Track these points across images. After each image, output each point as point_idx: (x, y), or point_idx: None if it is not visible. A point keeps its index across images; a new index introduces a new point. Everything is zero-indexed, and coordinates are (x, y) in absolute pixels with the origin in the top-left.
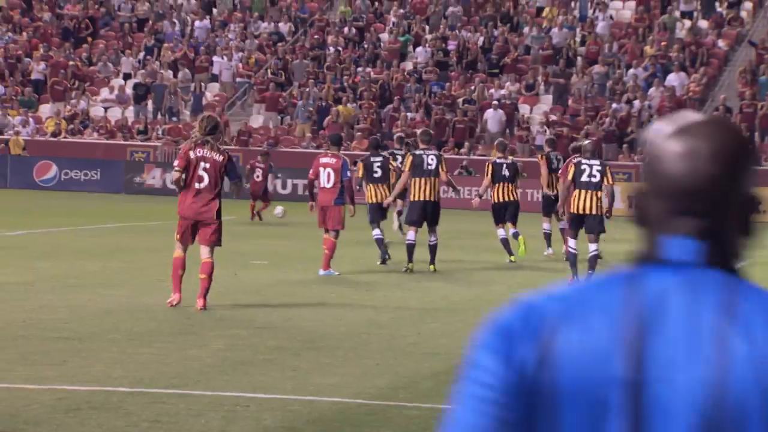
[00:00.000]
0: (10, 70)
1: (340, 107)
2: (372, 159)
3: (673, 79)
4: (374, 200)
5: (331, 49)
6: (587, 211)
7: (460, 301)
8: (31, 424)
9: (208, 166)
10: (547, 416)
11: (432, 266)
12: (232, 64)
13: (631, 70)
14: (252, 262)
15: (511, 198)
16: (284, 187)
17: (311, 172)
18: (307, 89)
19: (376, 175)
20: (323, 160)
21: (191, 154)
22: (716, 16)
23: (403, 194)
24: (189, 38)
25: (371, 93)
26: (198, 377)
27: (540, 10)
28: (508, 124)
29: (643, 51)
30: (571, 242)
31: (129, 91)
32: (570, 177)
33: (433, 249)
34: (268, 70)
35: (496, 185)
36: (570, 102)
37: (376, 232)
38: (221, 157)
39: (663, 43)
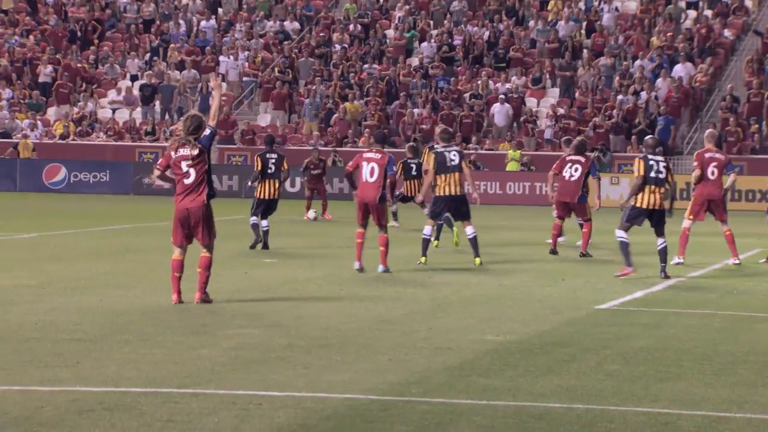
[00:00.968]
0: (17, 73)
1: (347, 104)
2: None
3: (679, 69)
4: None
5: (337, 46)
6: (656, 206)
7: (471, 296)
8: (45, 426)
9: (190, 162)
10: None
11: (477, 259)
12: (239, 64)
13: (638, 62)
14: (263, 260)
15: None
16: (293, 185)
17: (350, 164)
18: (314, 87)
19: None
20: (367, 155)
21: (172, 155)
22: (721, 6)
23: (403, 195)
24: (195, 38)
25: (378, 89)
26: (210, 376)
27: (545, 3)
28: (515, 117)
29: (649, 42)
30: (622, 233)
31: (136, 92)
32: (641, 172)
33: (473, 242)
34: (275, 69)
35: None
36: (577, 95)
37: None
38: (197, 150)
39: (669, 34)
